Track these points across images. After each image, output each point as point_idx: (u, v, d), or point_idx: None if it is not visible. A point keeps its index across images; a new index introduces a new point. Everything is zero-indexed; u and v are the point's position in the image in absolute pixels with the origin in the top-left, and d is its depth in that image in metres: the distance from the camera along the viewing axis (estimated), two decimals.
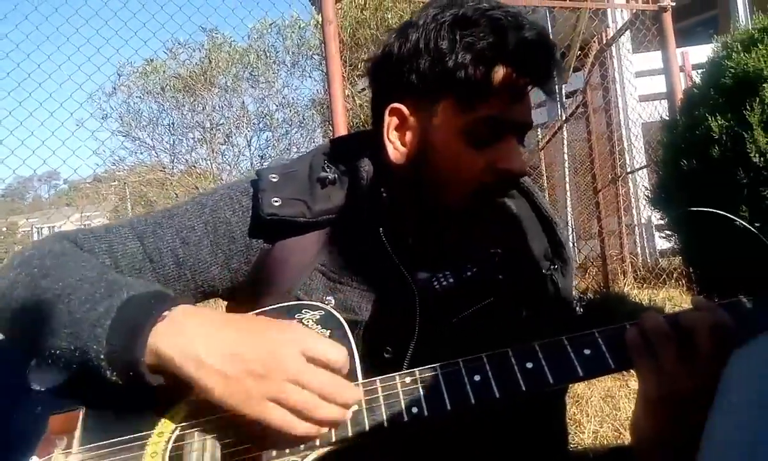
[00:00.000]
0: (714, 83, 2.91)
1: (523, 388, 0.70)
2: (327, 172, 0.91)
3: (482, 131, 0.81)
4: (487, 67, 0.79)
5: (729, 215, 1.80)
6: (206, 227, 0.89)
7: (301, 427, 0.65)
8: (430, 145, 0.84)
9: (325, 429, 0.67)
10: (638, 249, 6.61)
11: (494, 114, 0.81)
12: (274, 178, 0.90)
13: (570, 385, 0.98)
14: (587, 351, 0.71)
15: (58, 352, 0.69)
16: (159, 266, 0.87)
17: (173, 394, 0.71)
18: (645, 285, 5.05)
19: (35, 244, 0.85)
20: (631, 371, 0.72)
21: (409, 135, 0.86)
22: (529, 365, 0.71)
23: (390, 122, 0.87)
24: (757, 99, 2.60)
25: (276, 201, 0.87)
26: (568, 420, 2.43)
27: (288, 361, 0.65)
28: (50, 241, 0.85)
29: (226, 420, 0.70)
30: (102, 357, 0.66)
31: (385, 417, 0.69)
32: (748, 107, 2.61)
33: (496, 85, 0.80)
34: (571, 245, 6.53)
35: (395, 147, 0.87)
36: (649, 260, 6.21)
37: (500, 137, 0.83)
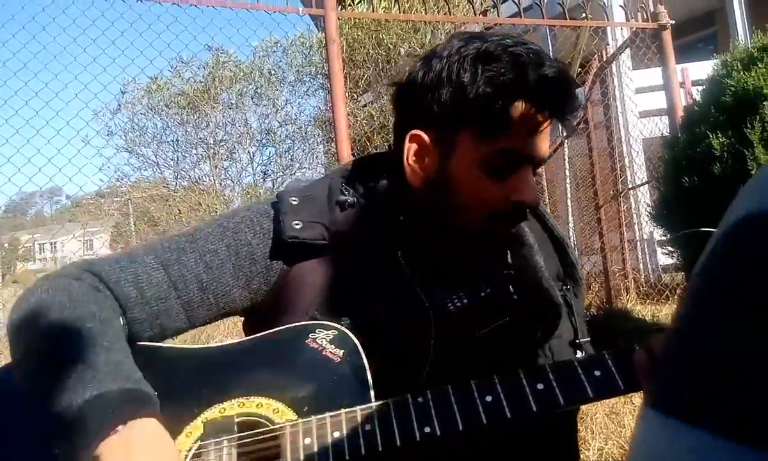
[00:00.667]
0: (714, 101, 2.95)
1: (534, 409, 0.71)
2: (345, 195, 0.93)
3: (499, 162, 0.84)
4: (507, 101, 0.81)
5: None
6: (228, 249, 0.92)
7: None
8: (447, 172, 0.86)
9: None
10: (640, 265, 6.61)
11: (512, 147, 0.83)
12: (294, 201, 0.92)
13: None
14: (597, 373, 0.73)
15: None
16: (183, 293, 0.89)
17: None
18: (648, 301, 5.05)
19: (53, 279, 0.86)
20: None
21: (427, 161, 0.89)
22: (540, 386, 0.72)
23: (410, 147, 0.89)
24: (758, 117, 2.64)
25: (297, 224, 0.89)
26: None
27: None
28: (68, 278, 0.86)
29: None
30: (57, 450, 0.69)
31: (397, 436, 0.70)
32: (748, 125, 2.65)
33: (515, 119, 0.82)
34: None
35: (414, 172, 0.90)
36: (651, 276, 6.21)
37: (516, 169, 0.85)
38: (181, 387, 0.83)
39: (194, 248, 0.91)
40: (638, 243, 6.59)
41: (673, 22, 4.28)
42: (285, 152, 9.67)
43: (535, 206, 0.88)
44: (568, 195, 6.87)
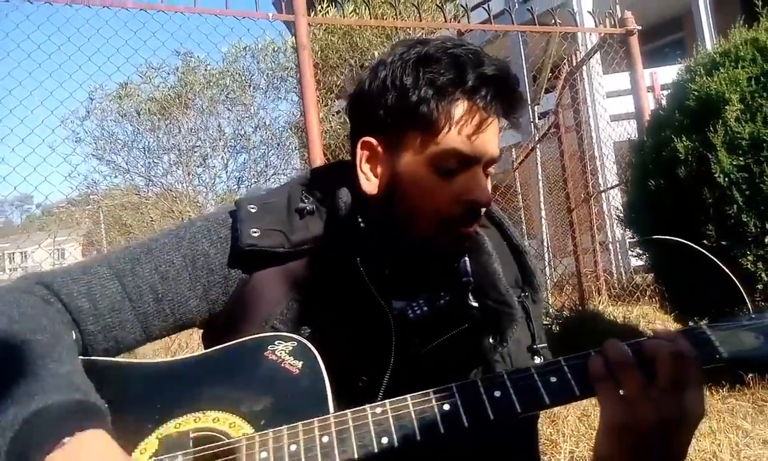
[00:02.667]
0: (679, 105, 3.01)
1: (492, 417, 0.70)
2: (305, 202, 0.93)
3: (447, 162, 0.85)
4: (449, 101, 0.83)
5: (688, 242, 1.86)
6: (185, 259, 0.90)
7: None
8: (398, 176, 0.87)
9: None
10: (612, 267, 6.70)
11: (458, 146, 0.84)
12: (252, 208, 0.91)
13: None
14: (553, 379, 0.73)
15: None
16: (138, 304, 0.87)
17: None
18: (619, 302, 5.12)
19: (2, 293, 0.83)
20: None
21: (379, 167, 0.90)
22: (497, 393, 0.72)
23: (362, 154, 0.90)
24: (720, 121, 2.70)
25: (255, 232, 0.88)
26: (545, 441, 2.45)
27: None
28: (19, 291, 0.83)
29: None
30: None
31: (355, 449, 0.70)
32: (711, 129, 2.70)
33: (458, 119, 0.83)
34: (546, 266, 6.52)
35: (367, 178, 0.90)
36: (623, 278, 6.30)
37: (465, 169, 0.86)
38: (136, 402, 0.80)
39: (149, 259, 0.90)
40: (610, 245, 6.68)
41: (640, 27, 4.38)
42: (259, 157, 9.62)
43: (487, 206, 0.89)
44: (541, 199, 6.94)
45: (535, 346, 0.94)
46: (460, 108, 0.84)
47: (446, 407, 0.71)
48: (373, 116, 0.88)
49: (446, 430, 0.70)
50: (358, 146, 0.90)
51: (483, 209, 0.90)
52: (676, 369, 0.68)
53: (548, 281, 6.27)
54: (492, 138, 0.87)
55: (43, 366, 0.72)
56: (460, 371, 0.88)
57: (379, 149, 0.89)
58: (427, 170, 0.85)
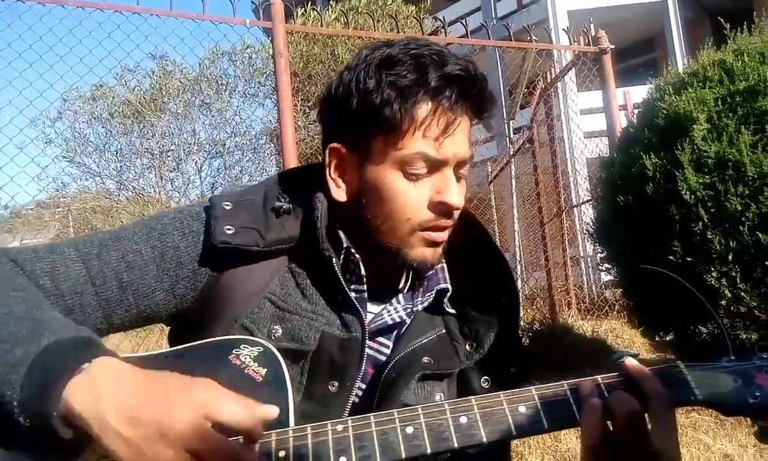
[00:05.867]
0: (648, 123, 3.07)
1: (455, 445, 0.69)
2: (281, 201, 0.91)
3: (415, 166, 0.83)
4: (412, 102, 0.81)
5: (671, 273, 1.89)
6: (153, 251, 0.88)
7: None
8: (367, 182, 0.86)
9: None
10: (583, 281, 6.77)
11: (424, 149, 0.83)
12: (227, 205, 0.89)
13: None
14: (522, 409, 0.72)
15: None
16: (101, 289, 0.86)
17: (83, 445, 0.69)
18: (588, 316, 5.18)
19: None
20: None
21: (348, 174, 0.89)
22: (463, 419, 0.71)
23: (330, 161, 0.89)
24: (688, 139, 2.75)
25: (229, 229, 0.86)
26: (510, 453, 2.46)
27: (185, 427, 0.63)
28: None
29: None
30: (15, 403, 0.65)
31: None
32: (679, 147, 2.76)
33: (422, 120, 0.82)
34: (518, 279, 6.58)
35: (337, 185, 0.89)
36: (593, 292, 6.37)
37: (434, 171, 0.85)
38: None
39: (117, 247, 0.88)
40: (581, 260, 6.76)
41: (613, 46, 4.46)
42: (234, 163, 9.53)
43: (459, 208, 0.87)
44: (515, 212, 7.01)
45: (512, 354, 0.93)
46: (423, 109, 0.82)
47: (409, 430, 0.70)
48: (339, 122, 0.88)
49: (408, 454, 0.69)
50: (327, 152, 0.89)
51: (455, 212, 0.88)
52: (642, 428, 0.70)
53: (520, 295, 6.29)
54: (460, 138, 0.85)
55: (38, 313, 0.74)
56: (434, 378, 0.88)
57: (347, 155, 0.88)
58: (395, 174, 0.84)
